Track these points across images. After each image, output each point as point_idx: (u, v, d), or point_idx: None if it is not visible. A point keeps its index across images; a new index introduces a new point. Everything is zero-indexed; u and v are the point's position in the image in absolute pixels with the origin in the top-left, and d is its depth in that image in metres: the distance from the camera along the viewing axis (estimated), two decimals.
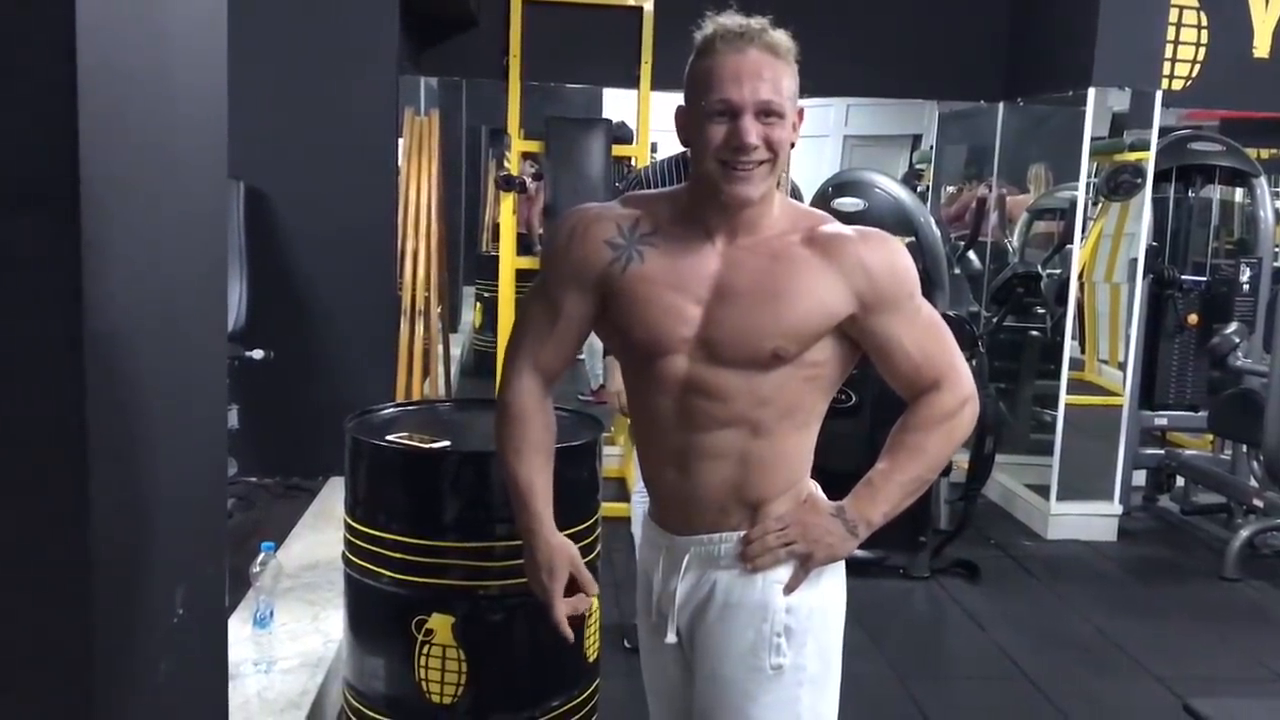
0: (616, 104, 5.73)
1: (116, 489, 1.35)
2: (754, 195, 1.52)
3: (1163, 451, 5.39)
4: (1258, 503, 4.63)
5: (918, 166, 7.61)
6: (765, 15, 1.54)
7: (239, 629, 2.77)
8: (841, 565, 1.67)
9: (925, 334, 1.58)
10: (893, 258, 1.56)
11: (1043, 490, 4.95)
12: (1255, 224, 5.47)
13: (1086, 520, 4.87)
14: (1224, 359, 4.78)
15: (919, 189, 6.76)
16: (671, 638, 1.66)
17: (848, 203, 4.21)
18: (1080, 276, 4.98)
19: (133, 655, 1.42)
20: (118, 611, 1.36)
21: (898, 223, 4.36)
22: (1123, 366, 4.99)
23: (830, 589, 1.65)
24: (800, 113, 1.55)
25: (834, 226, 1.58)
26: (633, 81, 4.95)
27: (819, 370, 1.57)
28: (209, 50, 1.66)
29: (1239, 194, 5.87)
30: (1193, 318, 5.11)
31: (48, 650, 1.30)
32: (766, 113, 1.49)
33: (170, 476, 1.54)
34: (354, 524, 2.40)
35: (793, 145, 1.55)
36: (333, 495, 4.00)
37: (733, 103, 1.49)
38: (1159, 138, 4.82)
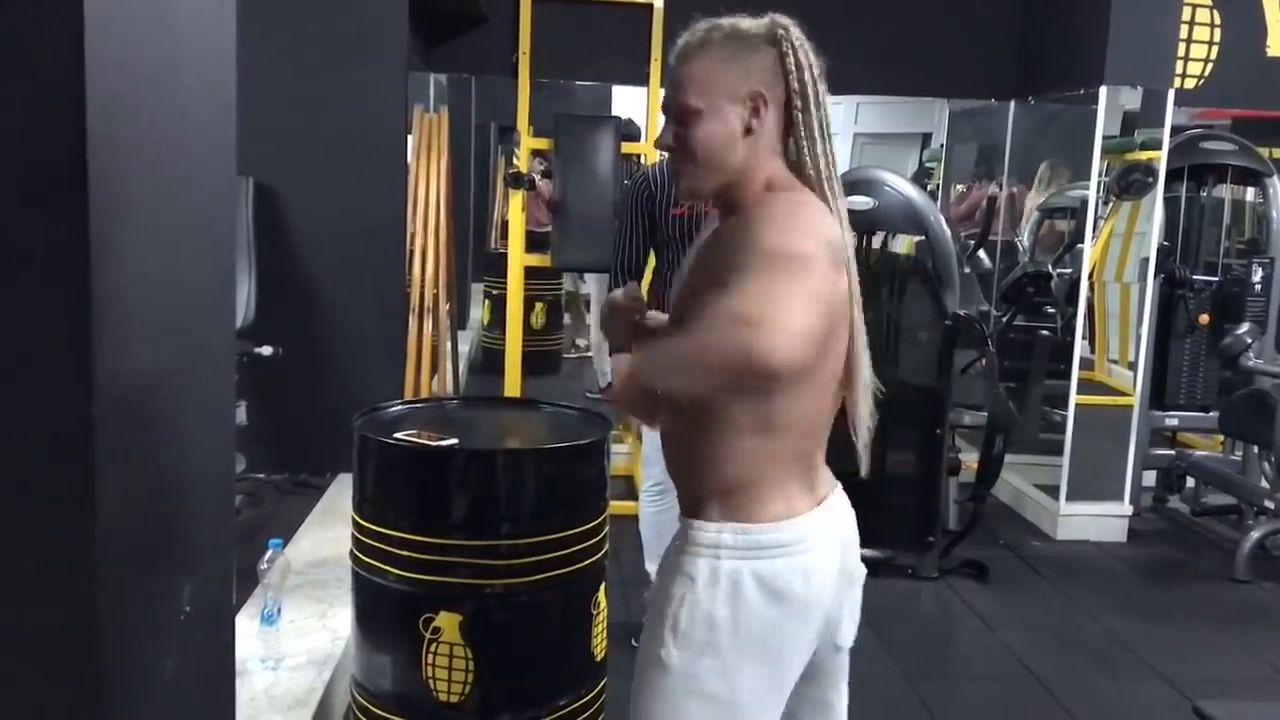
0: (626, 101, 5.72)
1: (123, 485, 1.34)
2: (692, 189, 1.60)
3: (1173, 452, 5.37)
4: (1269, 504, 4.61)
5: (928, 165, 7.59)
6: (776, 13, 1.56)
7: (246, 626, 2.77)
8: (753, 588, 1.53)
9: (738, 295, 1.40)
10: (745, 230, 1.48)
11: (1052, 490, 4.93)
12: (1267, 223, 5.43)
13: (1096, 521, 4.85)
14: (1235, 359, 4.75)
15: (929, 187, 6.75)
16: None
17: (857, 201, 4.19)
18: (1091, 276, 4.96)
19: (139, 653, 1.42)
20: (124, 609, 1.35)
21: (907, 221, 4.34)
22: (1133, 366, 4.97)
23: (739, 606, 1.52)
24: (750, 99, 1.53)
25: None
26: (642, 79, 4.94)
27: None
28: (218, 46, 1.66)
29: (1251, 193, 5.84)
30: (1204, 318, 5.09)
31: (54, 647, 1.29)
32: (675, 115, 1.57)
33: (178, 473, 1.54)
34: (361, 521, 2.40)
35: (749, 131, 1.53)
36: (341, 492, 4.00)
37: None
38: (1171, 137, 4.80)
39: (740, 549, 1.53)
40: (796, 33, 1.54)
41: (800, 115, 1.54)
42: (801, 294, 1.37)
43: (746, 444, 1.53)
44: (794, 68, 1.52)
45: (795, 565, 1.54)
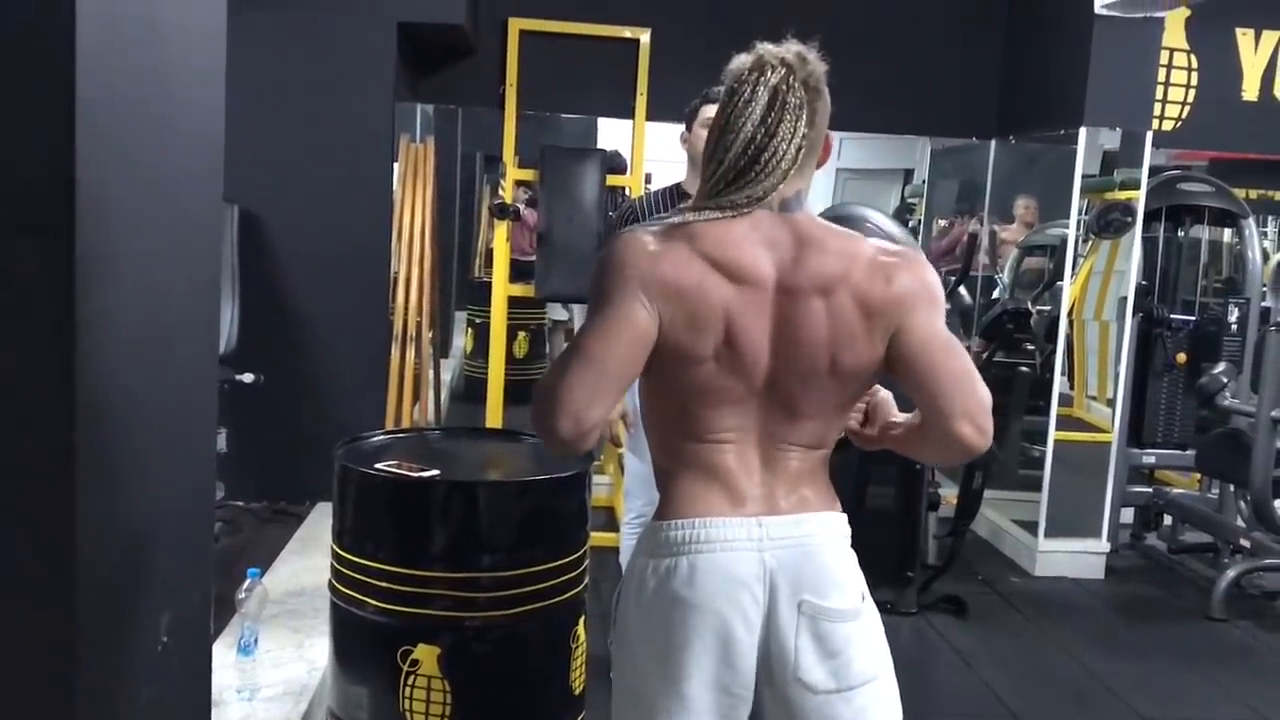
0: (612, 134, 5.75)
1: (104, 513, 1.34)
2: None
3: (1150, 489, 5.39)
4: (1244, 542, 4.63)
5: (910, 200, 7.66)
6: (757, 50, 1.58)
7: (223, 655, 2.74)
8: (650, 583, 1.58)
9: None
10: None
11: (1031, 526, 4.95)
12: (1243, 264, 5.50)
13: (1074, 557, 4.87)
14: (1212, 398, 4.79)
15: (910, 223, 6.81)
16: None
17: None
18: (1070, 313, 5.00)
19: (115, 684, 1.41)
20: (101, 639, 1.35)
21: None
22: (1111, 404, 5.00)
23: (640, 598, 1.60)
24: None
25: None
26: (628, 112, 4.98)
27: None
28: (207, 75, 1.67)
29: (1227, 234, 5.91)
30: (1181, 356, 5.13)
31: (31, 676, 1.28)
32: None
33: (158, 501, 1.54)
34: (341, 552, 2.39)
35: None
36: (320, 521, 3.98)
37: None
38: (1149, 177, 4.86)
39: (646, 544, 1.61)
40: (743, 66, 1.56)
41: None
42: (590, 347, 1.51)
43: (653, 438, 1.65)
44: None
45: (682, 564, 1.56)
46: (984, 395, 1.53)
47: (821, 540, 1.60)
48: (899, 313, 1.53)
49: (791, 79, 1.53)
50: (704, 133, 3.05)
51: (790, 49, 1.55)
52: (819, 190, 7.80)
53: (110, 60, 1.28)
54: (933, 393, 1.53)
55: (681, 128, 3.22)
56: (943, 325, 1.57)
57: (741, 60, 1.56)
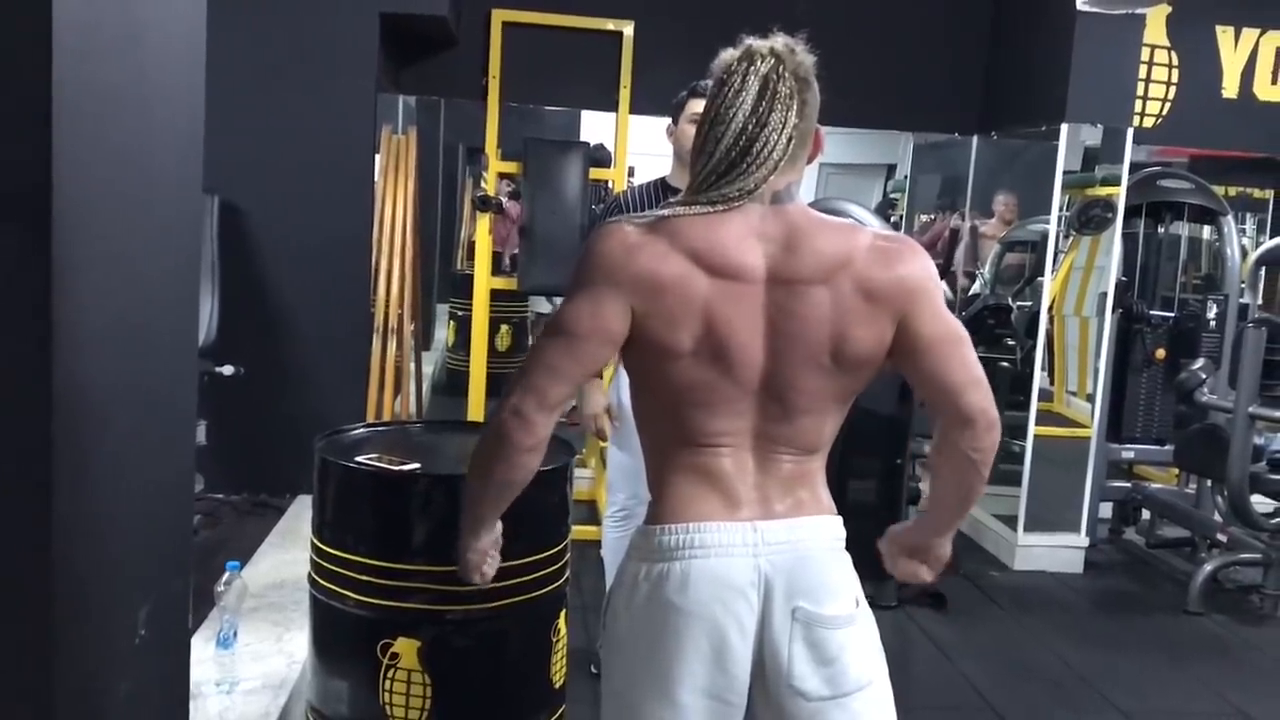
0: (595, 127, 5.74)
1: (81, 505, 1.33)
2: None
3: (1129, 484, 5.43)
4: (1222, 537, 4.67)
5: (892, 195, 7.68)
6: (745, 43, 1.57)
7: (202, 648, 2.73)
8: (642, 588, 1.57)
9: None
10: None
11: (1010, 521, 4.98)
12: (1222, 261, 5.54)
13: (1053, 552, 4.90)
14: (1190, 394, 4.83)
15: (892, 218, 6.83)
16: None
17: None
18: (1050, 309, 5.03)
19: (92, 677, 1.40)
20: (79, 632, 1.33)
21: None
22: (1091, 399, 5.04)
23: (631, 604, 1.59)
24: None
25: None
26: (612, 105, 4.97)
27: None
28: (187, 64, 1.65)
29: (1207, 231, 5.96)
30: (1160, 352, 5.17)
31: (5, 671, 1.27)
32: None
33: (137, 493, 1.52)
34: (321, 545, 2.37)
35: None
36: (300, 513, 3.97)
37: None
38: (1130, 174, 4.89)
39: (638, 548, 1.60)
40: (732, 58, 1.55)
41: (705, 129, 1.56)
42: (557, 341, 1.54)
43: (645, 440, 1.64)
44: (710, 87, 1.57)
45: (675, 570, 1.54)
46: (987, 385, 1.59)
47: (817, 545, 1.60)
48: (903, 300, 1.53)
49: (781, 69, 1.52)
50: (690, 128, 3.07)
51: (778, 40, 1.55)
52: (803, 185, 7.81)
53: (88, 48, 1.27)
54: (941, 376, 1.55)
55: (667, 121, 3.22)
56: (948, 313, 1.59)
57: (730, 53, 1.55)
